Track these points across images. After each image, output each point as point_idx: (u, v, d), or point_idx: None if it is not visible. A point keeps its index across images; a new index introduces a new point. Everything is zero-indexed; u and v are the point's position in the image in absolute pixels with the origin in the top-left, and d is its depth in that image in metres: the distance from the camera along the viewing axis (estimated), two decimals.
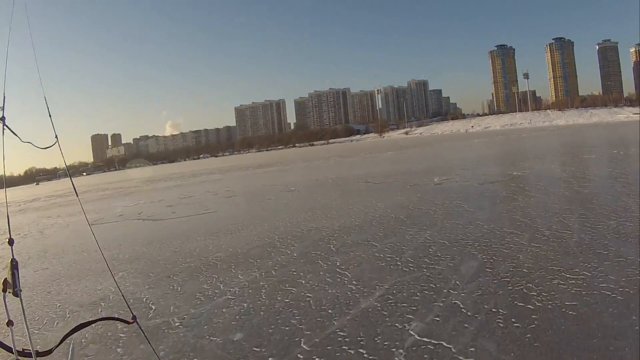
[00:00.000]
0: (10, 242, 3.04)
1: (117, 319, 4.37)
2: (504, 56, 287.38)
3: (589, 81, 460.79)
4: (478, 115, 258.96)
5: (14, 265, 2.84)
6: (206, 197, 35.48)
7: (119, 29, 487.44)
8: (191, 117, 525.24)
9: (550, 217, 14.11)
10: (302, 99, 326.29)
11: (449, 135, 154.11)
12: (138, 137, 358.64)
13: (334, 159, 78.19)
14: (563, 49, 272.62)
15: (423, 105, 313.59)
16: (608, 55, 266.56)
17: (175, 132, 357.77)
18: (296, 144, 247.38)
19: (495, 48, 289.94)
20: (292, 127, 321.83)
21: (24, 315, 2.98)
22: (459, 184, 26.16)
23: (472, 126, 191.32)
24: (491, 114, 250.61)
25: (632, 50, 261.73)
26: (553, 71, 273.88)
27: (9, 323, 2.80)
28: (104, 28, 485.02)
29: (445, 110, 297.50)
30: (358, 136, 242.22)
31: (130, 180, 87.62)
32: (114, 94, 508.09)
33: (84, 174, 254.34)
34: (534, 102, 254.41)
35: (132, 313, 3.67)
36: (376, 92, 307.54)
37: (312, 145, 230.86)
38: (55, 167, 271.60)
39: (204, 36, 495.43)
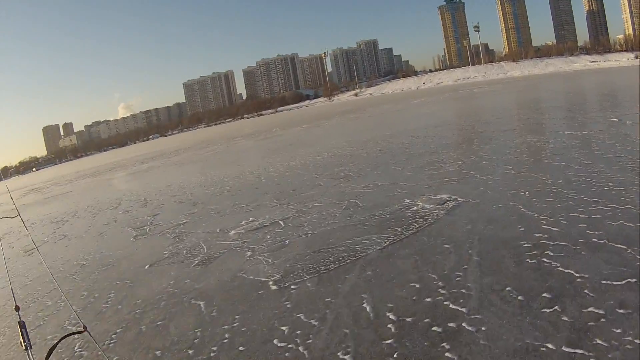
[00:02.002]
0: (17, 308, 3.80)
1: (73, 333, 5.98)
2: (454, 10, 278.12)
3: (542, 31, 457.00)
4: (430, 71, 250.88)
5: (22, 325, 3.51)
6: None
7: (58, 7, 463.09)
8: (144, 97, 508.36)
9: None
10: (251, 68, 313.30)
11: (399, 94, 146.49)
12: (90, 124, 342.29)
13: (252, 137, 68.28)
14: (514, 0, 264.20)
15: (374, 65, 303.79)
16: (560, 5, 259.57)
17: (130, 114, 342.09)
18: (245, 115, 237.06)
19: (444, 2, 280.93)
20: (244, 97, 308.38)
21: None
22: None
23: (424, 83, 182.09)
24: (444, 70, 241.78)
25: None
26: (505, 23, 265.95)
27: None
28: (41, 7, 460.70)
29: (397, 69, 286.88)
30: (307, 102, 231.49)
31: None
32: (62, 80, 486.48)
33: (34, 169, 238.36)
34: (486, 55, 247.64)
35: (83, 323, 4.13)
36: (323, 55, 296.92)
37: (261, 115, 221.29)
38: (6, 167, 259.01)
39: (148, 9, 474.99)
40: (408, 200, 14.72)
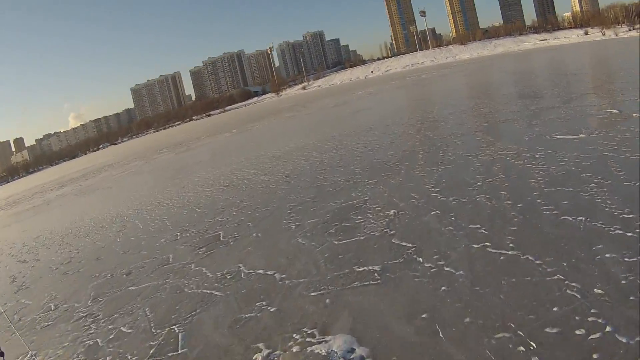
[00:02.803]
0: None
1: None
2: None
3: (489, 13, 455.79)
4: (378, 59, 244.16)
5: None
6: None
7: None
8: (93, 105, 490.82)
9: None
10: (197, 68, 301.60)
11: (347, 85, 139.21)
12: (41, 137, 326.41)
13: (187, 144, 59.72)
14: None
15: (321, 56, 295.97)
16: None
17: (80, 124, 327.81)
18: (193, 117, 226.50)
19: None
20: (193, 98, 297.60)
21: None
22: None
23: (372, 71, 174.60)
24: (392, 57, 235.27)
25: None
26: (451, 6, 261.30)
27: None
28: None
29: (344, 59, 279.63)
30: (255, 98, 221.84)
31: None
32: (9, 95, 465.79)
33: None
34: (434, 40, 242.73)
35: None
36: (269, 49, 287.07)
37: (209, 115, 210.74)
38: None
39: (89, 14, 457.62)
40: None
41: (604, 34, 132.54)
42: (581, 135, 14.74)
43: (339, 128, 30.89)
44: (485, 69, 62.19)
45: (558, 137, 15.12)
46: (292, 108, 75.93)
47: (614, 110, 17.46)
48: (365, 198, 13.13)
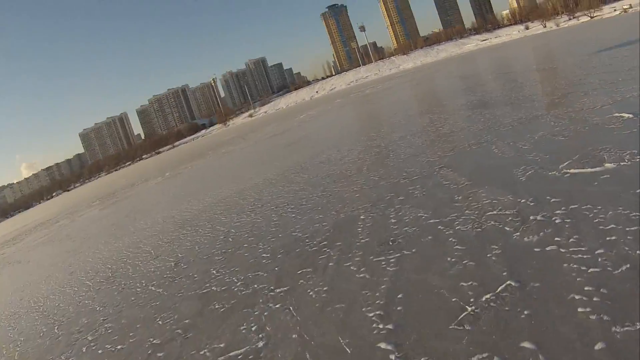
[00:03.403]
0: None
1: None
2: (337, 15, 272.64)
3: (428, 20, 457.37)
4: (322, 78, 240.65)
5: None
6: None
7: None
8: (45, 153, 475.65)
9: None
10: (144, 107, 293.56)
11: (293, 107, 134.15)
12: None
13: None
14: None
15: (266, 82, 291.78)
16: None
17: (33, 173, 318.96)
18: (143, 156, 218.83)
19: (327, 9, 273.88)
20: (143, 137, 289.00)
21: None
22: None
23: (317, 91, 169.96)
24: (336, 75, 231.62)
25: None
26: (389, 18, 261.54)
27: None
28: None
29: (289, 83, 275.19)
30: (203, 131, 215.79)
31: None
32: None
33: None
34: (376, 53, 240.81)
35: None
36: (212, 81, 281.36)
37: (159, 153, 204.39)
38: None
39: (21, 60, 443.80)
40: None
41: (545, 27, 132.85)
42: (607, 165, 9.02)
43: (267, 169, 24.75)
44: (432, 76, 57.36)
45: (571, 172, 9.33)
46: (231, 141, 69.34)
47: (624, 115, 12.05)
48: (259, 344, 6.85)
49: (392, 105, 37.77)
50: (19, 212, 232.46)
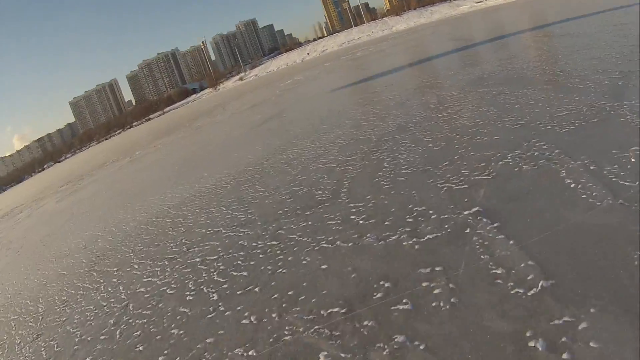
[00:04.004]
0: None
1: None
2: None
3: None
4: (314, 40, 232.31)
5: None
6: None
7: None
8: (35, 124, 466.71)
9: None
10: (134, 73, 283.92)
11: (284, 70, 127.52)
12: None
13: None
14: None
15: (257, 45, 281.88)
16: None
17: (24, 145, 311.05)
18: (133, 124, 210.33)
19: None
20: (134, 103, 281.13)
21: None
22: None
23: (308, 53, 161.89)
24: (327, 36, 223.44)
25: None
26: None
27: None
28: None
29: (281, 44, 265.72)
30: (194, 96, 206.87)
31: None
32: None
33: None
34: (368, 14, 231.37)
35: None
36: (202, 44, 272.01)
37: (149, 120, 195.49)
38: None
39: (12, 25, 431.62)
40: None
41: None
42: None
43: (228, 161, 19.31)
44: (427, 39, 50.73)
45: None
46: (210, 111, 63.26)
47: None
48: None
49: (383, 71, 31.76)
50: (11, 186, 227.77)
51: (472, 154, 9.71)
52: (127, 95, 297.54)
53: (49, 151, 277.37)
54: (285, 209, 10.62)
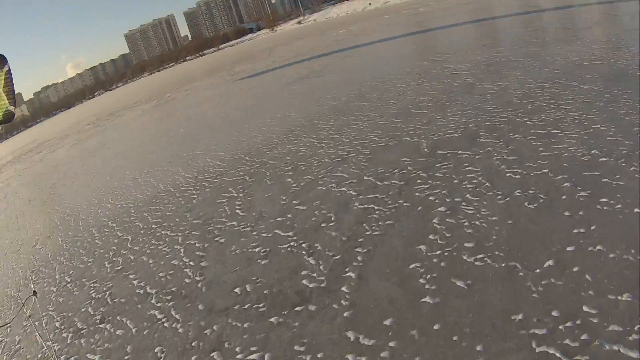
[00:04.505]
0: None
1: None
2: None
3: None
4: None
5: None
6: None
7: None
8: (90, 53, 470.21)
9: None
10: (191, 9, 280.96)
11: (343, 18, 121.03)
12: (39, 90, 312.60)
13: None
14: None
15: None
16: None
17: (78, 72, 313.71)
18: (187, 58, 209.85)
19: None
20: (189, 39, 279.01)
21: None
22: None
23: (370, 3, 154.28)
24: None
25: None
26: None
27: None
28: None
29: None
30: (250, 35, 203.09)
31: None
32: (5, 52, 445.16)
33: None
34: None
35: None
36: None
37: (203, 55, 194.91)
38: None
39: None
40: None
41: None
42: None
43: (240, 143, 14.91)
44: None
45: None
46: (255, 55, 59.49)
47: None
48: None
49: (451, 39, 25.46)
50: (61, 111, 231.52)
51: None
52: (184, 31, 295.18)
53: (101, 80, 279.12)
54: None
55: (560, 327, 4.15)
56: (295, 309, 5.64)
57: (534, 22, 22.77)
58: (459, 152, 8.55)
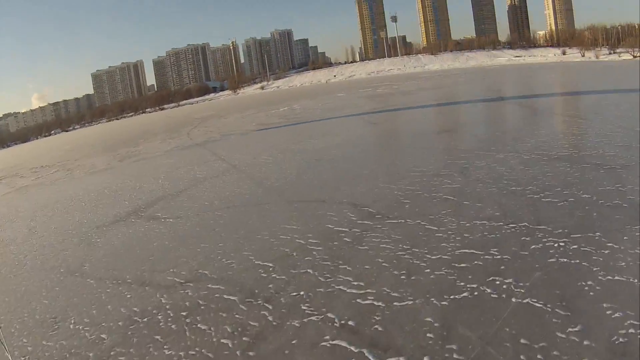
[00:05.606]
0: None
1: None
2: (371, 1, 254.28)
3: (462, 25, 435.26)
4: (345, 62, 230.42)
5: None
6: None
7: None
8: (55, 87, 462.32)
9: None
10: (160, 59, 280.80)
11: (306, 88, 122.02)
12: (0, 116, 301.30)
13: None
14: None
15: (288, 56, 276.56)
16: None
17: (39, 106, 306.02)
18: (146, 110, 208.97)
19: None
20: (156, 89, 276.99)
21: None
22: None
23: (335, 75, 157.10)
24: (358, 62, 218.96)
25: None
26: (424, 15, 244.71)
27: None
28: None
29: (312, 61, 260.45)
30: (212, 95, 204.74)
31: None
32: None
33: None
34: (404, 47, 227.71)
35: None
36: (232, 44, 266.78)
37: (163, 109, 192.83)
38: None
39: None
40: None
41: (583, 55, 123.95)
42: None
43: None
44: (463, 86, 42.69)
45: None
46: (203, 120, 56.22)
47: None
48: None
49: (410, 124, 22.94)
50: (16, 143, 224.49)
51: None
52: (150, 79, 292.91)
53: (61, 117, 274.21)
54: None
55: None
56: None
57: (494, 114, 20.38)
58: None
